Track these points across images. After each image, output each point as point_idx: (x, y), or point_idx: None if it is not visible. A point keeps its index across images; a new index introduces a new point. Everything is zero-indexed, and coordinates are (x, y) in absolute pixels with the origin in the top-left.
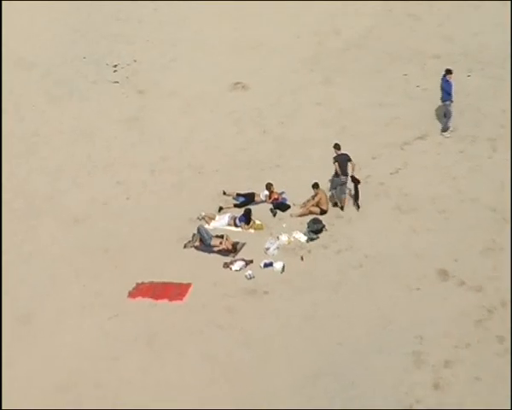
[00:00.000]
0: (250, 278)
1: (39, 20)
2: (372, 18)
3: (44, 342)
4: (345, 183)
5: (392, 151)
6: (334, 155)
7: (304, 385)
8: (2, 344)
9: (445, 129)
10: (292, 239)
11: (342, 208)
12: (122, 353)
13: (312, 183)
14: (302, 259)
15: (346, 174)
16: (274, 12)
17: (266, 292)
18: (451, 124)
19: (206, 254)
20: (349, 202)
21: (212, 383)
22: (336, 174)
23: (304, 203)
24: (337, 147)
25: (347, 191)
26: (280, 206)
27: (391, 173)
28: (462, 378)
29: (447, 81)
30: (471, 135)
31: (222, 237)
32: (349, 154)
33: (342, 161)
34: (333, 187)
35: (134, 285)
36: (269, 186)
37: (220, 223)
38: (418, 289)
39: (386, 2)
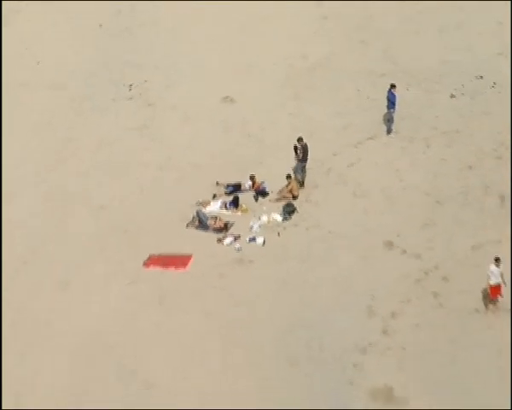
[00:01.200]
0: (238, 251)
1: (69, 51)
2: (332, 45)
3: (78, 303)
4: (305, 166)
5: (348, 149)
6: (299, 146)
7: (281, 335)
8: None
9: (389, 131)
10: (270, 219)
11: (303, 183)
12: (139, 311)
13: (286, 174)
14: (279, 235)
15: (306, 160)
16: (255, 43)
17: (251, 261)
18: (394, 127)
19: (203, 232)
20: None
21: (209, 333)
22: (299, 160)
23: (280, 191)
24: (300, 140)
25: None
26: (261, 193)
27: (348, 166)
28: (405, 326)
29: (392, 93)
30: (410, 136)
31: (216, 218)
32: (308, 145)
33: (305, 150)
34: (297, 170)
35: (147, 257)
36: (252, 177)
37: (214, 207)
38: (370, 257)
39: (343, 32)
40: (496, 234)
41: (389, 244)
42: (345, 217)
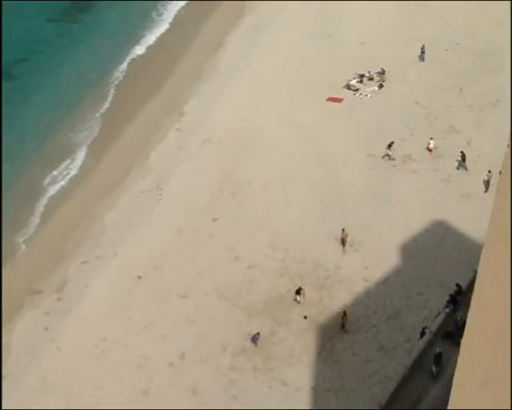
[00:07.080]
0: (361, 99)
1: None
2: (399, 25)
3: (297, 112)
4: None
5: (407, 65)
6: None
7: (365, 137)
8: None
9: (422, 61)
10: (374, 89)
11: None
12: (323, 116)
13: (382, 71)
14: (376, 94)
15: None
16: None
17: (365, 103)
18: (424, 60)
19: (348, 91)
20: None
21: (342, 119)
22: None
23: (378, 79)
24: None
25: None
26: (369, 79)
27: (404, 72)
28: (420, 133)
29: (423, 47)
30: (430, 62)
31: (353, 86)
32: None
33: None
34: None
35: (327, 97)
36: (369, 71)
37: (353, 82)
38: (404, 107)
39: (401, 23)
40: (450, 102)
41: (416, 103)
42: (401, 90)
